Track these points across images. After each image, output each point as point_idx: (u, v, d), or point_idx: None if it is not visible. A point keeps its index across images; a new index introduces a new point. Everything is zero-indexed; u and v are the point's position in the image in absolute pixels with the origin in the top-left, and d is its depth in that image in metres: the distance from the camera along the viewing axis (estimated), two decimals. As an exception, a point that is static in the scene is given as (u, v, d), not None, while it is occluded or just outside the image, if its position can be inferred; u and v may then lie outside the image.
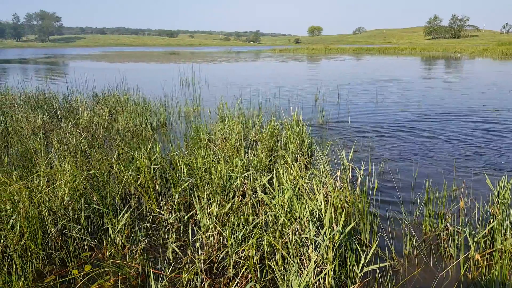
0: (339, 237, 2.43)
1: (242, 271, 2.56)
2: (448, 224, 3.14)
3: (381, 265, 2.56)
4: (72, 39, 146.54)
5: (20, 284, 2.53)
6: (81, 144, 4.98)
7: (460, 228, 3.03)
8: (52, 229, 2.97)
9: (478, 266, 2.75)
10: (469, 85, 14.95)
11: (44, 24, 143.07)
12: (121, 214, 3.04)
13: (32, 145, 4.79)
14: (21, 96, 8.46)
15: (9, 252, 2.73)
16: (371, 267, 2.49)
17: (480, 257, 2.76)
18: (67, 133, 5.46)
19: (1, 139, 5.43)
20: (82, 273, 2.74)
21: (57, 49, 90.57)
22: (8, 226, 2.77)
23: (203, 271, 2.60)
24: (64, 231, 3.09)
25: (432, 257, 2.94)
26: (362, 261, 2.46)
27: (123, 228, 3.09)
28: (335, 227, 2.37)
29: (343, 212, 2.67)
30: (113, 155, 4.37)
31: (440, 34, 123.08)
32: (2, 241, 2.81)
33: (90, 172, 3.81)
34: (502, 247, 2.70)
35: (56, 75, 20.40)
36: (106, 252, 2.96)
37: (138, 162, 3.92)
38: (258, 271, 2.54)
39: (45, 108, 7.23)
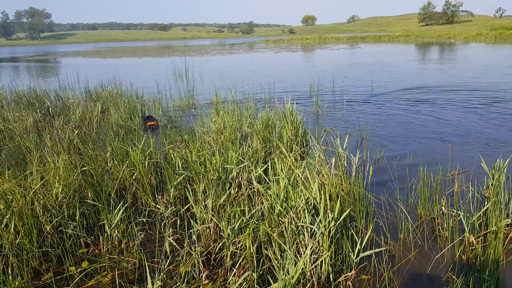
0: (334, 224, 2.43)
1: (239, 261, 2.56)
2: (442, 208, 3.16)
3: (377, 250, 2.57)
4: (63, 36, 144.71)
5: (17, 283, 2.52)
6: (74, 141, 4.93)
7: (455, 211, 3.04)
8: (47, 227, 2.95)
9: (473, 248, 2.77)
10: (463, 69, 14.96)
11: (34, 22, 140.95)
12: (117, 210, 3.03)
13: (24, 143, 4.74)
14: (12, 95, 8.35)
15: (4, 251, 2.70)
16: (367, 253, 2.51)
17: (475, 239, 2.77)
18: (60, 130, 5.41)
19: (-7, 139, 5.37)
20: (79, 270, 2.73)
21: (48, 47, 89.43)
22: (2, 226, 2.75)
23: (200, 263, 2.60)
24: (59, 229, 3.07)
25: (427, 241, 2.96)
26: (358, 247, 2.47)
27: (119, 223, 3.08)
28: (330, 214, 2.37)
29: (338, 199, 2.68)
30: (107, 151, 4.34)
31: (434, 21, 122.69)
32: (-4, 240, 2.79)
33: (84, 168, 3.78)
34: (496, 229, 2.72)
35: (47, 72, 20.17)
36: (103, 248, 2.95)
37: (132, 157, 3.89)
38: (255, 260, 2.54)
39: (37, 106, 7.15)
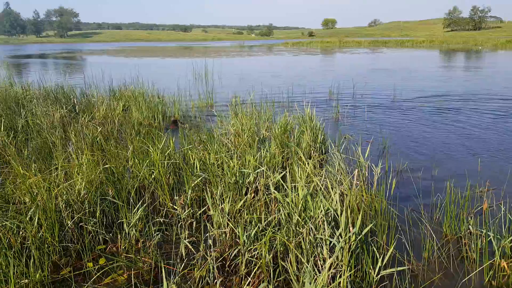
0: (355, 239, 2.35)
1: (254, 270, 2.52)
2: (470, 227, 2.97)
3: (399, 269, 2.44)
4: (89, 35, 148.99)
5: (37, 276, 2.57)
6: (98, 138, 5.03)
7: (484, 231, 2.85)
8: (69, 222, 3.02)
9: (504, 274, 2.58)
10: (491, 77, 14.46)
11: (62, 20, 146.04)
12: (136, 208, 3.05)
13: (50, 138, 4.88)
14: (41, 91, 8.63)
15: (27, 243, 2.77)
16: (388, 271, 2.39)
17: (507, 264, 2.58)
18: (84, 127, 5.53)
19: (22, 132, 5.54)
20: (96, 267, 2.76)
21: (75, 44, 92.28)
22: (27, 218, 2.82)
23: (215, 269, 2.58)
24: (80, 224, 3.12)
25: (453, 262, 2.80)
26: (379, 264, 2.36)
27: (137, 222, 3.10)
28: (351, 229, 2.30)
29: (359, 212, 2.60)
30: (128, 149, 4.40)
31: (459, 26, 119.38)
32: (21, 232, 2.86)
33: (106, 166, 3.83)
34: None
35: (74, 70, 20.77)
36: (120, 246, 2.98)
37: (152, 156, 3.92)
38: (271, 270, 2.49)
39: (63, 102, 7.36)
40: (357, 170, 3.41)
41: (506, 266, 2.57)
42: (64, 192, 3.17)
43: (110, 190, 3.53)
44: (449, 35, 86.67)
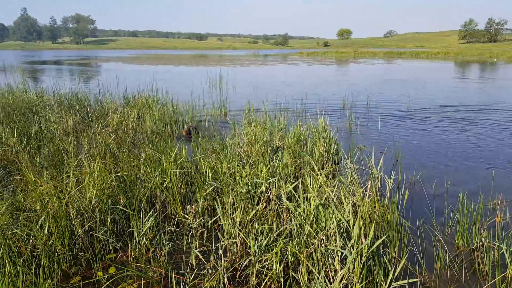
0: (367, 250, 2.31)
1: (265, 281, 2.49)
2: (483, 239, 2.93)
3: (411, 280, 2.40)
4: (105, 42, 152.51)
5: (47, 284, 2.56)
6: (110, 146, 5.08)
7: (497, 244, 2.81)
8: (79, 230, 3.01)
9: None
10: (506, 88, 14.17)
11: (79, 27, 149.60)
12: (147, 217, 3.05)
13: (63, 145, 4.94)
14: (55, 97, 8.80)
15: (37, 252, 2.78)
16: (400, 283, 2.35)
17: None
18: (97, 134, 5.60)
19: (35, 139, 5.63)
20: (106, 276, 2.75)
21: (90, 51, 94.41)
22: (37, 226, 2.83)
23: (225, 279, 2.56)
24: (90, 233, 3.12)
25: (465, 274, 2.75)
26: (391, 276, 2.32)
27: (148, 231, 3.10)
28: (363, 240, 2.26)
29: (371, 223, 2.55)
30: (140, 157, 4.42)
31: (475, 38, 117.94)
32: (31, 240, 2.87)
33: (118, 174, 3.86)
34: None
35: (89, 76, 21.20)
36: (131, 255, 2.97)
37: (164, 165, 3.94)
38: (282, 281, 2.46)
39: (77, 109, 7.47)
40: (370, 181, 3.35)
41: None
42: (75, 200, 3.18)
43: (121, 199, 3.54)
44: (465, 47, 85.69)
